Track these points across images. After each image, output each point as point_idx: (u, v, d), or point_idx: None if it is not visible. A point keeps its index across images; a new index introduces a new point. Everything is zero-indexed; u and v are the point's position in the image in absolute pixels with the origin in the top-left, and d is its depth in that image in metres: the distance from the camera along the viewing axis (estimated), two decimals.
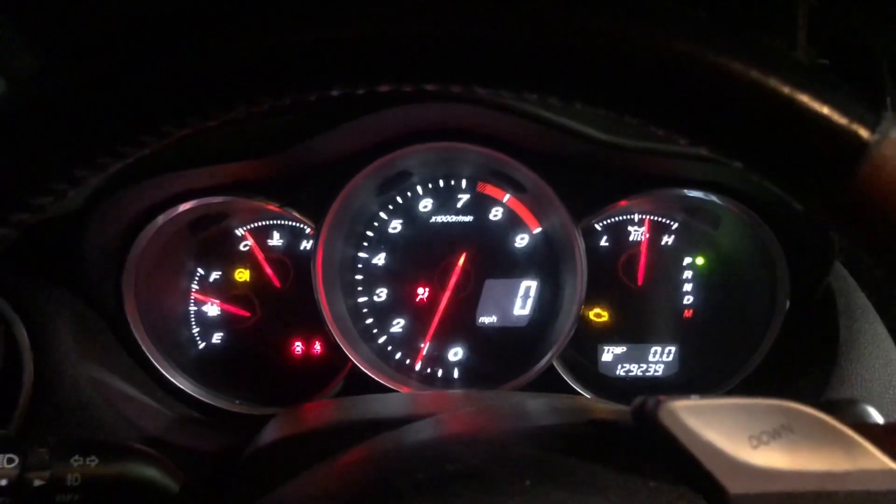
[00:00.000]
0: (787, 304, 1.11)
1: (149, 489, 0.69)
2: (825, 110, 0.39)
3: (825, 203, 0.41)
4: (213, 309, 1.27)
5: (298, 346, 1.27)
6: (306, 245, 1.25)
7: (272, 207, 1.14)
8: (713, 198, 1.11)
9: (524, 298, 1.27)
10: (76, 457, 0.66)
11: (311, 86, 0.42)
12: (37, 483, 0.63)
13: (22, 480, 0.62)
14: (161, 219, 1.11)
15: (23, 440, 0.63)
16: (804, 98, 0.39)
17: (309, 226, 1.16)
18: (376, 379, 1.17)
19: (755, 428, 0.43)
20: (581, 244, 1.13)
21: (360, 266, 1.28)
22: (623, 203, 1.14)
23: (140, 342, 1.14)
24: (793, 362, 1.09)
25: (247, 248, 1.27)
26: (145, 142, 0.43)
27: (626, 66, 0.40)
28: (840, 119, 0.39)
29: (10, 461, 0.62)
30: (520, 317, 1.28)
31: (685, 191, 1.11)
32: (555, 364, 1.17)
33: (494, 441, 0.50)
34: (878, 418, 0.56)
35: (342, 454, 0.52)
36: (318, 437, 0.77)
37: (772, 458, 0.43)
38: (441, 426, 0.57)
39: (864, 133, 0.39)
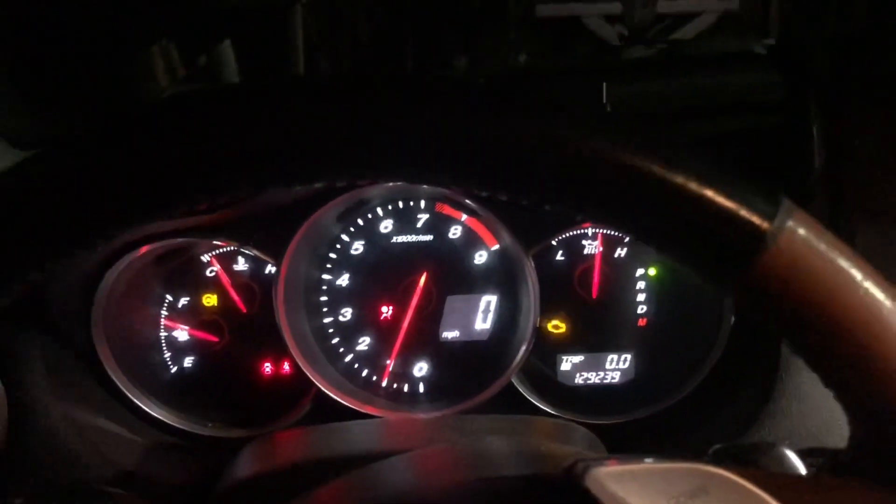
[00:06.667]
0: (732, 317, 1.16)
1: None
2: (727, 203, 0.43)
3: (733, 289, 0.45)
4: (182, 334, 1.29)
5: (268, 368, 1.31)
6: (271, 269, 1.27)
7: (232, 246, 1.17)
8: None
9: (485, 313, 1.31)
10: None
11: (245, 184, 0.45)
12: None
13: None
14: (127, 258, 1.13)
15: None
16: (709, 192, 0.43)
17: (271, 262, 1.19)
18: (342, 402, 1.21)
19: (674, 491, 0.48)
20: (532, 270, 1.17)
21: (324, 287, 1.31)
22: (572, 230, 1.18)
23: (110, 372, 1.16)
24: (739, 372, 1.15)
25: (213, 273, 1.29)
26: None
27: (542, 162, 0.44)
28: (740, 212, 0.43)
29: None
30: (481, 331, 1.32)
31: None
32: (513, 380, 1.22)
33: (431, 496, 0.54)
34: (796, 462, 0.60)
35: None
36: (282, 476, 0.81)
37: None
38: (391, 473, 0.61)
39: (761, 224, 0.43)
